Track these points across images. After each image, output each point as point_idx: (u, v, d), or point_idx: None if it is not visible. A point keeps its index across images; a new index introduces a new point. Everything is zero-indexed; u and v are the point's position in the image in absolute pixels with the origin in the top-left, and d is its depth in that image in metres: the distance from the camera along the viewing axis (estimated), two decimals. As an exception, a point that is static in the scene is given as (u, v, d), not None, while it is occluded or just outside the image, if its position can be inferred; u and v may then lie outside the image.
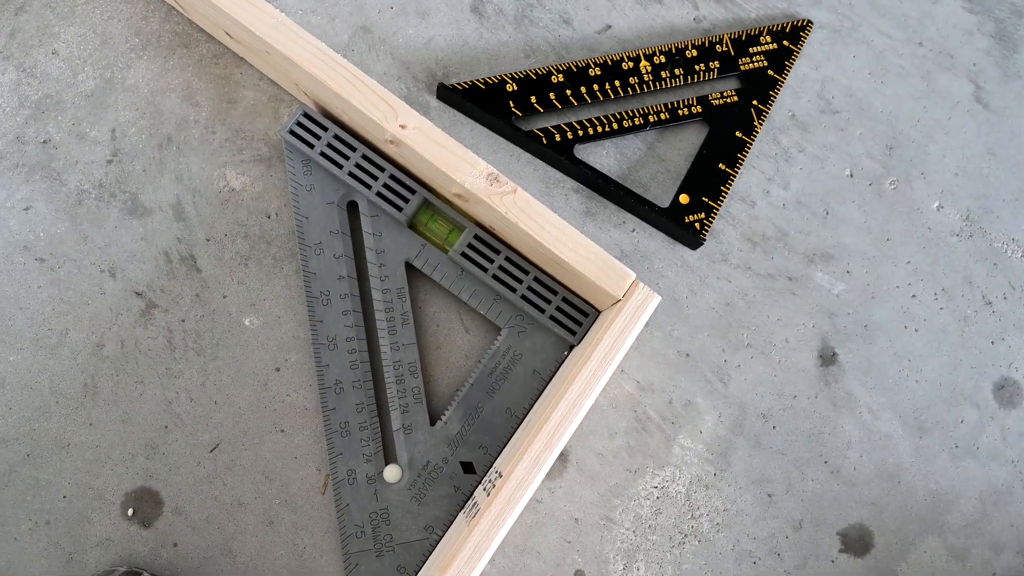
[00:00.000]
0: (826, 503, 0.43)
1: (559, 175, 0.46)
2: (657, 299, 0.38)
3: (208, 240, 0.43)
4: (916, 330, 0.47)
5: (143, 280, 0.42)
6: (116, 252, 0.42)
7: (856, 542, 0.43)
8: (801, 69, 0.50)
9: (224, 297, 0.42)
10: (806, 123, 0.49)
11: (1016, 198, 0.50)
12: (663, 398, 0.43)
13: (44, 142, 0.43)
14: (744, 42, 0.50)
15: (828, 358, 0.46)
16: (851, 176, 0.49)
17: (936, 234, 0.49)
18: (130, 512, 0.39)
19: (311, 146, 0.41)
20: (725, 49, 0.49)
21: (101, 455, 0.40)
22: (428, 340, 0.43)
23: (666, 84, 0.48)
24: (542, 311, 0.41)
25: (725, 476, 0.43)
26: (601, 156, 0.47)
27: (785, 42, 0.50)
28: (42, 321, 0.41)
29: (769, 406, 0.44)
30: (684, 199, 0.45)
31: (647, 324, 0.44)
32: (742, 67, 0.48)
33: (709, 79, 0.48)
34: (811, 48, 0.50)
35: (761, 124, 0.48)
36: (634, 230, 0.46)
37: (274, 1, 0.47)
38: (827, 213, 0.48)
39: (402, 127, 0.39)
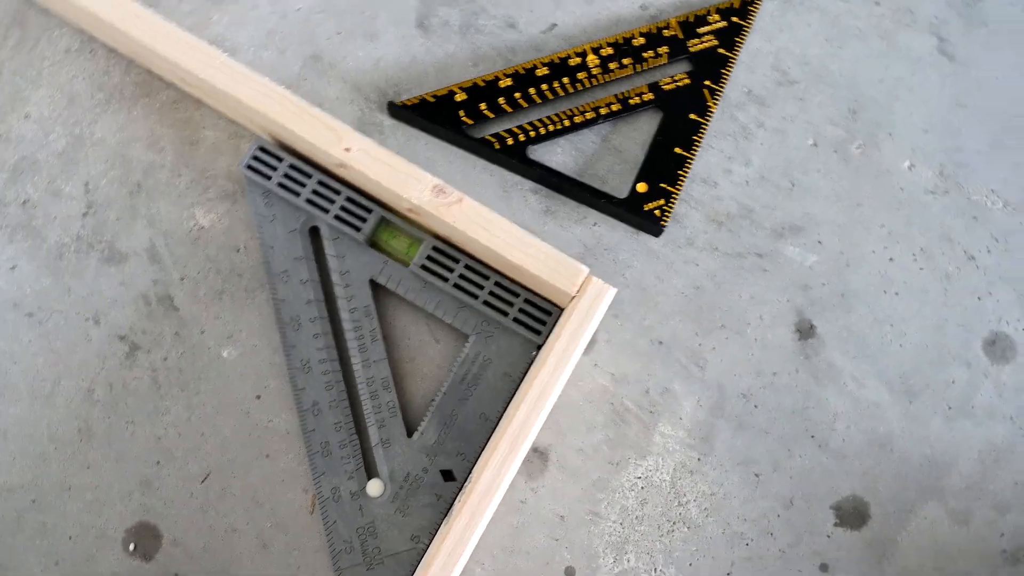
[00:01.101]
0: (816, 478, 0.43)
1: (516, 178, 0.46)
2: (612, 291, 0.38)
3: (183, 279, 0.44)
4: (896, 293, 0.46)
5: (125, 324, 0.43)
6: (98, 300, 0.44)
7: (851, 514, 0.43)
8: (754, 44, 0.50)
9: (202, 332, 0.43)
10: (763, 97, 0.48)
11: (991, 147, 0.48)
12: (639, 388, 0.43)
13: (24, 202, 0.45)
14: (692, 24, 0.50)
15: (806, 331, 0.45)
16: (815, 145, 0.48)
17: (909, 194, 0.47)
18: (132, 547, 0.41)
19: (268, 178, 0.43)
20: (673, 33, 0.49)
21: (100, 495, 0.41)
22: (400, 354, 0.43)
23: (616, 75, 0.48)
24: (506, 314, 0.41)
25: (709, 460, 0.43)
26: (556, 154, 0.47)
27: (735, 19, 0.49)
28: (35, 373, 0.43)
29: (749, 386, 0.44)
30: (642, 188, 0.45)
31: (617, 316, 0.44)
32: (692, 49, 0.48)
33: (659, 65, 0.48)
34: (763, 21, 0.50)
35: (716, 104, 0.47)
36: (596, 224, 0.46)
37: (226, 40, 0.48)
38: (792, 185, 0.47)
39: (347, 150, 0.39)
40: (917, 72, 0.50)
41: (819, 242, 0.47)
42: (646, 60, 0.48)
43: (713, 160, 0.48)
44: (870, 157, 0.48)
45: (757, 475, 0.43)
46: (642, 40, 0.49)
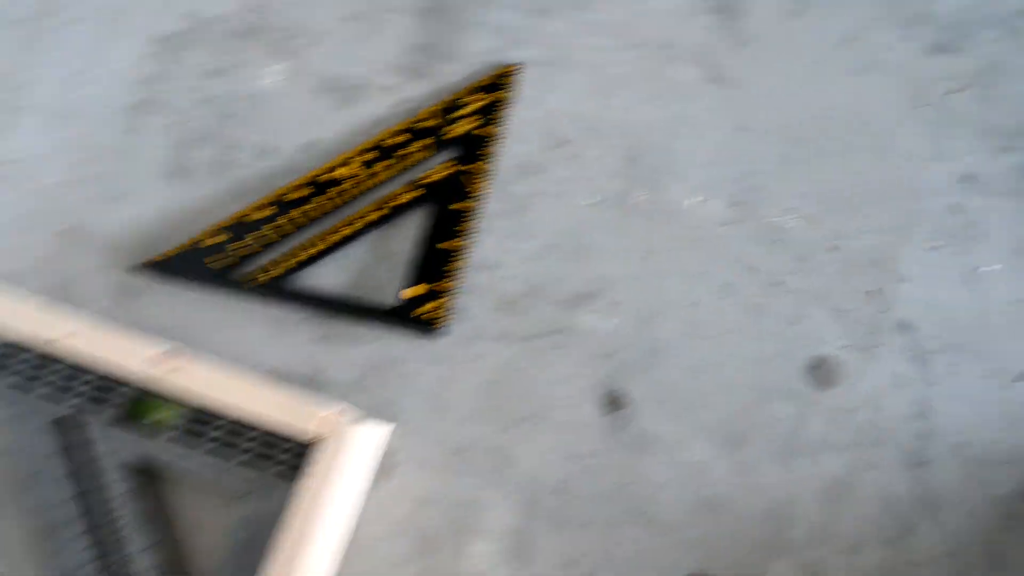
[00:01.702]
0: (651, 561, 0.48)
1: (288, 310, 0.54)
2: (360, 428, 0.44)
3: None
4: (705, 338, 0.53)
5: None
6: None
7: (697, 589, 0.48)
8: (520, 114, 0.58)
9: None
10: (537, 165, 0.57)
11: (780, 164, 0.56)
12: (445, 506, 0.49)
13: None
14: (450, 108, 0.57)
15: (616, 402, 0.52)
16: (597, 203, 0.56)
17: (704, 231, 0.55)
18: None
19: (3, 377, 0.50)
20: (431, 123, 0.57)
21: None
22: (182, 527, 0.50)
23: (379, 179, 0.55)
24: (272, 467, 0.48)
25: (531, 571, 0.49)
26: (326, 276, 0.55)
27: (495, 94, 0.58)
28: None
29: (563, 476, 0.50)
30: (411, 292, 0.53)
31: (411, 432, 0.50)
32: (452, 135, 0.57)
33: (422, 159, 0.56)
34: (526, 89, 0.58)
35: (486, 185, 0.56)
36: (376, 340, 0.53)
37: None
38: (580, 250, 0.55)
39: (64, 336, 0.47)
40: (690, 105, 0.58)
41: (616, 303, 0.54)
42: (407, 157, 0.57)
43: (493, 242, 0.55)
44: (657, 202, 0.56)
45: (590, 574, 0.49)
46: (400, 138, 0.57)
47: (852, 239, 0.54)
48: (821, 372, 0.50)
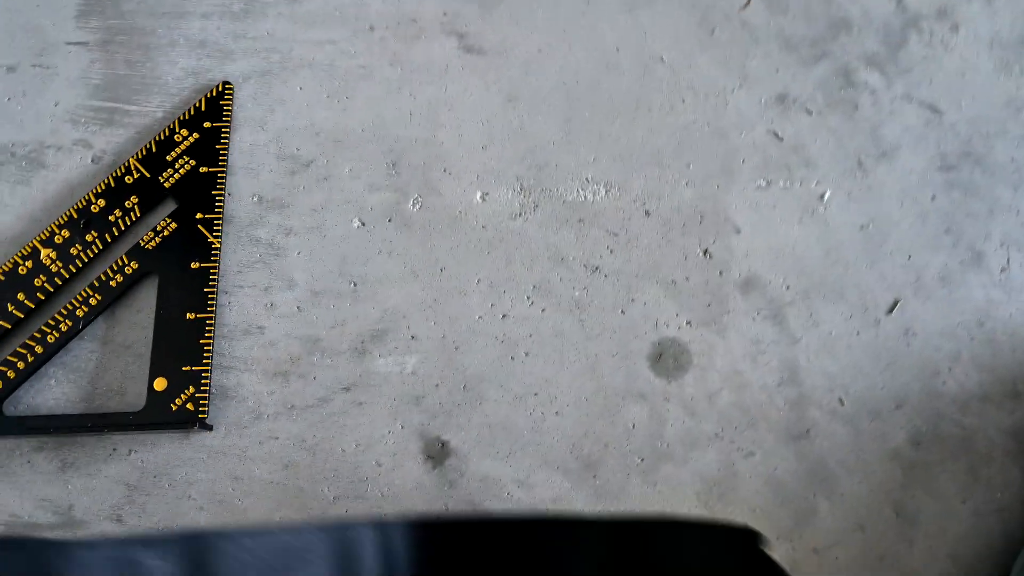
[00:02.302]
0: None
1: (10, 443, 0.50)
2: None
3: None
4: (527, 354, 0.52)
5: None
6: None
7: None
8: (244, 140, 0.56)
9: None
10: (278, 199, 0.54)
11: (565, 133, 0.56)
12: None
13: None
14: (157, 154, 0.55)
15: (439, 453, 0.50)
16: (361, 225, 0.55)
17: (496, 229, 0.55)
18: None
19: None
20: (138, 175, 0.54)
21: None
22: None
23: (87, 258, 0.52)
24: None
25: None
26: (51, 389, 0.51)
27: (206, 124, 0.56)
28: None
29: (391, 560, 0.48)
30: (161, 384, 0.50)
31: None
32: (168, 184, 0.54)
33: (136, 220, 0.53)
34: (245, 109, 0.56)
35: (220, 236, 0.53)
36: (132, 451, 0.50)
37: None
38: (355, 285, 0.53)
39: None
40: (450, 85, 0.58)
41: (412, 338, 0.53)
42: (118, 222, 0.54)
43: (247, 301, 0.53)
44: (434, 207, 0.55)
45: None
46: (103, 202, 0.54)
47: (667, 198, 0.55)
48: (665, 360, 0.51)
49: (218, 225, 0.54)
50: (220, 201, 0.55)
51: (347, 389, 0.50)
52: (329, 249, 0.54)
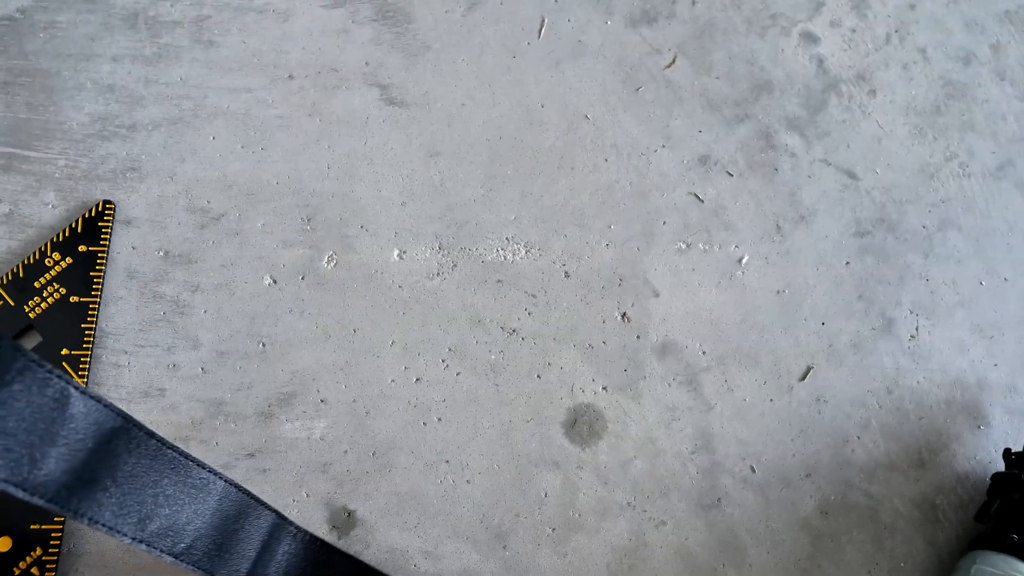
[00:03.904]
0: None
1: None
2: None
3: None
4: (440, 419, 0.52)
5: None
6: None
7: None
8: (152, 191, 0.55)
9: None
10: (187, 254, 0.54)
11: (486, 191, 0.56)
12: None
13: None
14: (24, 279, 0.52)
15: (344, 523, 0.50)
16: (274, 282, 0.54)
17: (412, 288, 0.55)
18: None
19: None
20: (1, 302, 0.51)
21: None
22: None
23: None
24: None
25: None
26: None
27: (81, 248, 0.53)
28: None
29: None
30: (4, 544, 0.47)
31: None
32: (33, 314, 0.51)
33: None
34: (154, 159, 0.55)
35: (86, 376, 0.51)
36: None
37: None
38: (264, 345, 0.53)
39: None
40: (370, 138, 0.58)
41: (322, 401, 0.52)
42: None
43: (148, 362, 0.52)
44: (349, 264, 0.55)
45: None
46: None
47: (587, 259, 0.56)
48: (580, 427, 0.52)
49: (85, 364, 0.52)
50: (89, 336, 0.52)
51: (251, 455, 0.50)
52: (238, 307, 0.53)
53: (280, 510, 0.45)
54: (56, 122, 0.56)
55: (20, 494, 0.31)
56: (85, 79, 0.56)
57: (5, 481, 0.30)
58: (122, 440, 0.35)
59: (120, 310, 0.52)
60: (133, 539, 0.35)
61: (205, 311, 0.52)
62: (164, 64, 0.57)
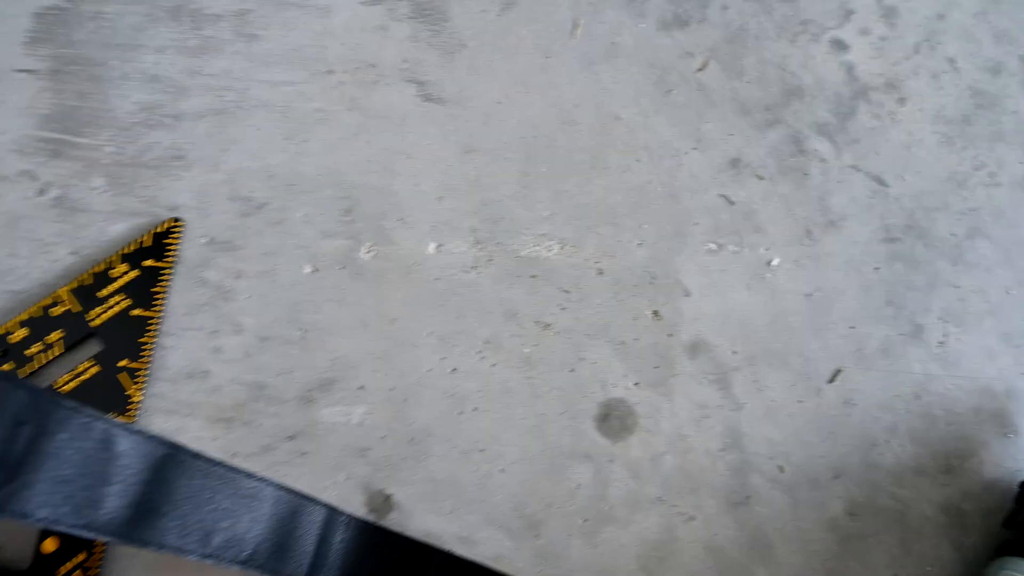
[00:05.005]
0: None
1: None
2: None
3: None
4: (475, 409, 0.54)
5: None
6: None
7: None
8: (198, 179, 0.57)
9: None
10: (231, 241, 0.55)
11: (521, 187, 0.58)
12: None
13: None
14: (91, 287, 0.53)
15: (381, 505, 0.51)
16: (315, 271, 0.56)
17: (449, 281, 0.56)
18: None
19: None
20: (65, 308, 0.52)
21: None
22: None
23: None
24: None
25: None
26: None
27: (147, 263, 0.54)
28: None
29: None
30: (50, 545, 0.48)
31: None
32: (95, 323, 0.52)
33: (56, 358, 0.52)
34: (198, 148, 0.57)
35: (142, 388, 0.52)
36: None
37: None
38: (305, 332, 0.55)
39: None
40: (408, 133, 0.60)
41: (361, 387, 0.54)
42: (36, 357, 0.51)
43: (192, 345, 0.54)
44: (388, 257, 0.57)
45: None
46: (25, 331, 0.51)
47: (620, 257, 0.58)
48: (612, 421, 0.54)
49: (141, 377, 0.52)
50: (148, 350, 0.53)
51: (292, 438, 0.51)
52: (279, 295, 0.54)
53: (320, 492, 0.47)
54: (104, 110, 0.57)
55: (89, 535, 0.34)
56: (131, 69, 0.58)
57: (73, 526, 0.32)
58: (172, 466, 0.37)
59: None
60: (200, 556, 0.38)
61: (248, 297, 0.54)
62: (207, 56, 0.58)
